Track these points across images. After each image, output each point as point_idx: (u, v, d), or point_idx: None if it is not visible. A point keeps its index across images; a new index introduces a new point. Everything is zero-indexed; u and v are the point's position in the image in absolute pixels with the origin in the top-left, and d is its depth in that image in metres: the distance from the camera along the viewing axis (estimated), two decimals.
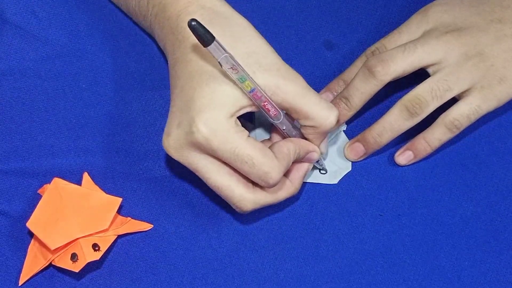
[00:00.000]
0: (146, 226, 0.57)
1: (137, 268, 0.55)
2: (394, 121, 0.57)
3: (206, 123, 0.49)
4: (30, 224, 0.53)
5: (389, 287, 0.56)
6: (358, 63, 0.61)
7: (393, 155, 0.60)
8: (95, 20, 0.63)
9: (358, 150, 0.59)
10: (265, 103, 0.50)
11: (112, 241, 0.54)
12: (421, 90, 0.56)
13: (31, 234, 0.55)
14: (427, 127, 0.58)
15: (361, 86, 0.57)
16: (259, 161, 0.50)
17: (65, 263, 0.53)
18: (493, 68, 0.57)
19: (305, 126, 0.53)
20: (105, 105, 0.61)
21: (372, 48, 0.61)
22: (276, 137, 0.56)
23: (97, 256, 0.53)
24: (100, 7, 0.64)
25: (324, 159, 0.60)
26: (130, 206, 0.57)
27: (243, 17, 0.53)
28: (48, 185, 0.56)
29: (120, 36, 0.63)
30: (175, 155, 0.51)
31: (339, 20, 0.66)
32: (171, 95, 0.53)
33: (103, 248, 0.53)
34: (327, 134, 0.55)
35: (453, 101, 0.57)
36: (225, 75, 0.50)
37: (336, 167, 0.60)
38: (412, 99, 0.56)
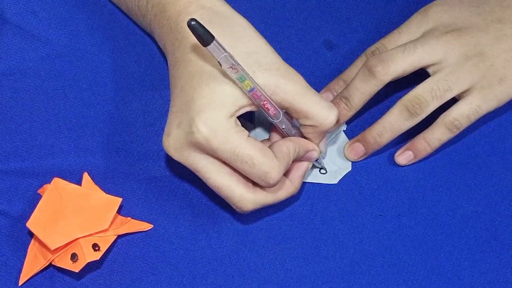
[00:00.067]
0: (146, 226, 0.57)
1: (137, 268, 0.55)
2: (394, 121, 0.57)
3: (206, 123, 0.49)
4: (30, 224, 0.53)
5: (389, 287, 0.56)
6: (358, 63, 0.61)
7: (393, 155, 0.60)
8: (95, 20, 0.63)
9: (358, 150, 0.59)
10: (265, 103, 0.50)
11: (112, 241, 0.54)
12: (421, 90, 0.56)
13: (31, 234, 0.55)
14: (427, 127, 0.58)
15: (361, 86, 0.57)
16: (259, 161, 0.50)
17: (65, 263, 0.53)
18: (493, 68, 0.57)
19: (304, 125, 0.53)
20: (105, 105, 0.61)
21: (372, 48, 0.61)
22: (275, 137, 0.56)
23: (97, 256, 0.53)
24: (100, 7, 0.64)
25: (323, 158, 0.60)
26: (130, 206, 0.57)
27: (243, 17, 0.53)
28: (48, 185, 0.56)
29: (120, 36, 0.63)
30: (175, 155, 0.51)
31: (339, 20, 0.66)
32: (171, 95, 0.53)
33: (103, 248, 0.53)
34: (326, 133, 0.55)
35: (453, 101, 0.57)
36: (225, 74, 0.50)
37: (336, 167, 0.60)
38: (412, 99, 0.56)
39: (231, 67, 0.48)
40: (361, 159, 0.60)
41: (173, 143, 0.51)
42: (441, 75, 0.56)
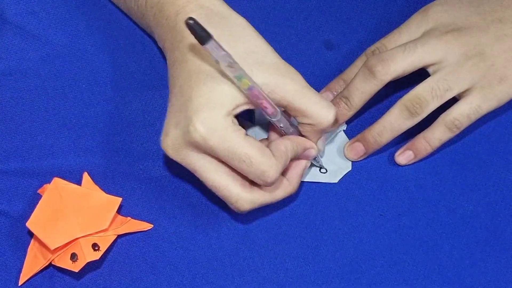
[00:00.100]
0: (146, 226, 0.57)
1: (137, 268, 0.55)
2: (394, 120, 0.57)
3: (204, 122, 0.49)
4: (30, 224, 0.53)
5: (389, 287, 0.56)
6: (358, 63, 0.61)
7: (393, 155, 0.60)
8: (95, 20, 0.63)
9: (358, 149, 0.59)
10: (263, 101, 0.50)
11: (112, 241, 0.54)
12: (421, 89, 0.56)
13: (31, 234, 0.55)
14: (427, 127, 0.58)
15: (361, 86, 0.57)
16: (257, 160, 0.50)
17: (64, 263, 0.53)
18: (494, 67, 0.57)
19: (303, 123, 0.53)
20: (105, 105, 0.61)
21: (372, 47, 0.61)
22: (274, 136, 0.56)
23: (96, 256, 0.53)
24: (100, 7, 0.64)
25: (322, 156, 0.60)
26: (130, 206, 0.57)
27: (241, 17, 0.53)
28: (48, 185, 0.56)
29: (120, 36, 0.63)
30: (173, 155, 0.51)
31: (339, 20, 0.66)
32: (170, 94, 0.53)
33: (103, 248, 0.53)
34: (324, 132, 0.55)
35: (454, 101, 0.57)
36: (223, 73, 0.49)
37: (336, 166, 0.60)
38: (412, 98, 0.56)
39: (228, 65, 0.48)
40: (361, 158, 0.60)
41: (171, 142, 0.51)
42: (441, 75, 0.56)
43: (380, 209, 0.58)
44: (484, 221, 0.59)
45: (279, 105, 0.52)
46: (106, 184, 0.57)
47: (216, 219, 0.57)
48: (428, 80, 0.56)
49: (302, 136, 0.55)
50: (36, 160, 0.58)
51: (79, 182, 0.57)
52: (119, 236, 0.55)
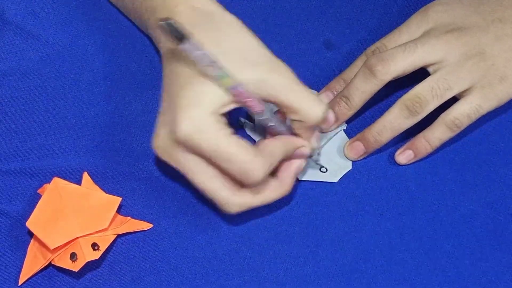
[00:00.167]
0: (145, 226, 0.57)
1: (137, 268, 0.55)
2: (394, 119, 0.57)
3: (188, 120, 0.48)
4: (30, 224, 0.53)
5: (389, 286, 0.56)
6: (359, 63, 0.61)
7: (393, 154, 0.60)
8: (95, 20, 0.63)
9: (358, 149, 0.59)
10: (247, 100, 0.50)
11: (111, 241, 0.54)
12: (421, 88, 0.56)
13: (31, 234, 0.55)
14: (428, 126, 0.58)
15: (362, 86, 0.57)
16: (240, 158, 0.49)
17: (64, 262, 0.53)
18: (494, 67, 0.57)
19: (293, 120, 0.53)
20: (105, 105, 0.61)
21: (373, 47, 0.61)
22: (271, 136, 0.55)
23: (96, 255, 0.53)
24: (100, 7, 0.64)
25: (319, 154, 0.59)
26: (129, 206, 0.57)
27: (231, 14, 0.53)
28: (48, 184, 0.56)
29: (120, 36, 0.63)
30: (163, 155, 0.52)
31: (339, 20, 0.66)
32: (161, 95, 0.53)
33: (103, 247, 0.53)
34: (316, 129, 0.55)
35: (454, 100, 0.57)
36: (204, 73, 0.49)
37: (336, 166, 0.60)
38: (412, 97, 0.56)
39: (208, 65, 0.48)
40: (361, 158, 0.60)
41: (160, 143, 0.51)
42: (441, 74, 0.56)
43: (380, 209, 0.58)
44: (484, 221, 0.58)
45: (268, 102, 0.51)
46: (106, 184, 0.57)
47: (216, 219, 0.57)
48: (428, 79, 0.56)
49: (296, 135, 0.55)
50: (36, 160, 0.58)
51: (79, 182, 0.57)
52: (118, 236, 0.55)
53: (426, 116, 0.57)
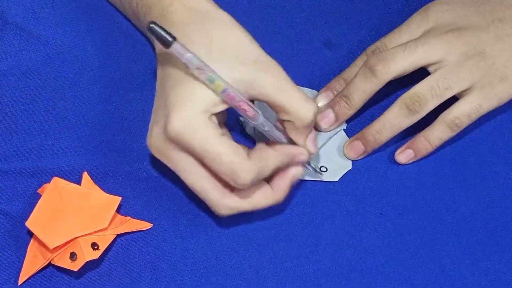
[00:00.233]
0: (145, 225, 0.56)
1: (136, 267, 0.55)
2: (394, 118, 0.57)
3: (179, 119, 0.48)
4: (30, 224, 0.53)
5: (389, 286, 0.56)
6: (359, 62, 0.61)
7: (394, 154, 0.60)
8: (95, 20, 0.63)
9: (357, 148, 0.59)
10: (240, 103, 0.50)
11: (111, 240, 0.54)
12: (420, 87, 0.56)
13: (30, 234, 0.55)
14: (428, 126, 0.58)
15: (362, 85, 0.57)
16: (229, 159, 0.49)
17: (64, 262, 0.53)
18: (494, 67, 0.57)
19: (284, 121, 0.52)
20: (105, 105, 0.61)
21: (373, 47, 0.61)
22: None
23: (96, 255, 0.53)
24: (100, 7, 0.64)
25: (316, 158, 0.59)
26: (129, 205, 0.57)
27: (225, 12, 0.52)
28: (47, 184, 0.55)
29: (120, 36, 0.63)
30: (157, 154, 0.52)
31: (339, 20, 0.66)
32: (155, 94, 0.53)
33: (102, 247, 0.53)
34: (309, 130, 0.53)
35: (454, 100, 0.57)
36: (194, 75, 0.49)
37: (336, 165, 0.60)
38: (412, 96, 0.56)
39: (197, 68, 0.47)
40: (361, 157, 0.60)
41: (154, 141, 0.51)
42: (441, 74, 0.56)
43: (380, 208, 0.58)
44: (484, 221, 0.58)
45: (258, 101, 0.51)
46: (105, 184, 0.57)
47: (216, 219, 0.57)
48: (428, 78, 0.56)
49: (290, 138, 0.54)
50: (36, 160, 0.58)
51: (78, 182, 0.57)
52: (118, 236, 0.55)
53: (426, 116, 0.57)
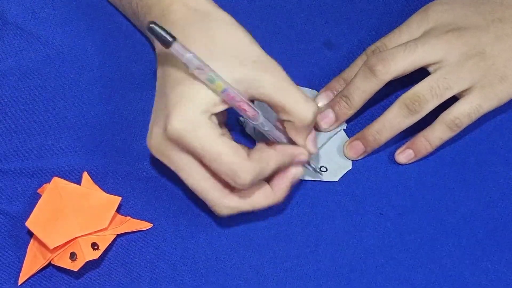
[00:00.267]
0: (145, 225, 0.56)
1: (136, 267, 0.55)
2: (394, 118, 0.57)
3: (179, 118, 0.48)
4: (30, 224, 0.53)
5: (389, 286, 0.56)
6: (359, 62, 0.61)
7: (394, 154, 0.60)
8: (95, 20, 0.63)
9: (357, 148, 0.59)
10: (240, 103, 0.49)
11: (111, 240, 0.54)
12: (420, 87, 0.56)
13: (30, 234, 0.55)
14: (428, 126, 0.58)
15: (362, 85, 0.57)
16: (228, 159, 0.49)
17: (64, 262, 0.53)
18: (494, 67, 0.57)
19: (284, 121, 0.52)
20: (105, 105, 0.61)
21: (373, 47, 0.61)
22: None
23: (96, 255, 0.53)
24: (100, 7, 0.64)
25: (316, 158, 0.59)
26: (129, 205, 0.57)
27: (225, 13, 0.52)
28: (47, 184, 0.55)
29: (120, 36, 0.63)
30: (157, 154, 0.52)
31: (339, 20, 0.66)
32: (155, 94, 0.53)
33: (102, 247, 0.53)
34: (309, 130, 0.53)
35: (454, 100, 0.57)
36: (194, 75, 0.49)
37: (336, 165, 0.60)
38: (412, 96, 0.56)
39: (197, 68, 0.47)
40: (361, 157, 0.60)
41: (154, 141, 0.51)
42: (441, 74, 0.56)
43: (380, 208, 0.58)
44: (484, 221, 0.58)
45: (258, 101, 0.51)
46: (105, 184, 0.57)
47: (216, 219, 0.57)
48: (428, 78, 0.57)
49: (290, 138, 0.54)
50: (35, 160, 0.58)
51: (78, 182, 0.57)
52: (118, 236, 0.55)
53: (426, 116, 0.57)
